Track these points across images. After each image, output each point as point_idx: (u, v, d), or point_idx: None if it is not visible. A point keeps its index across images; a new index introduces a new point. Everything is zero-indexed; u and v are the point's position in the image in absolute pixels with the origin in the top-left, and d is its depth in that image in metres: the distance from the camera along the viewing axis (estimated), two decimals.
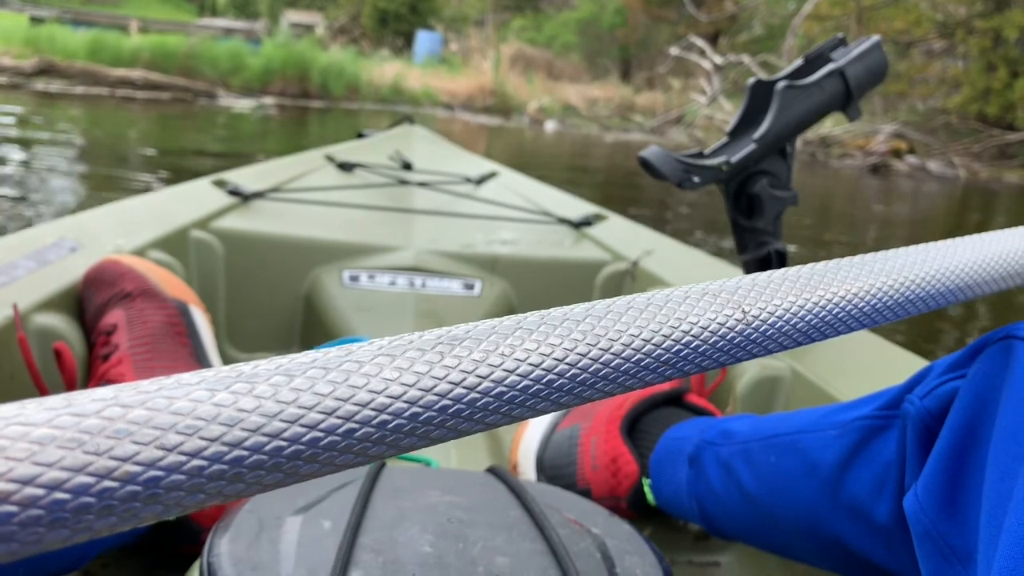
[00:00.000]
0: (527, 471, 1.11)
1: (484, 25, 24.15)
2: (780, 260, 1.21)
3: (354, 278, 1.60)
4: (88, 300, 1.15)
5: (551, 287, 1.70)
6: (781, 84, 1.12)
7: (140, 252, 1.33)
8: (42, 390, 0.97)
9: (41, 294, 1.10)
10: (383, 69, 17.33)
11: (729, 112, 14.25)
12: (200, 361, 1.13)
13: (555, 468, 1.08)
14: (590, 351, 0.31)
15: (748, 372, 1.17)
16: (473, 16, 25.98)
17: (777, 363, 1.17)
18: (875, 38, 1.16)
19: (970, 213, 9.32)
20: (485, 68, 18.84)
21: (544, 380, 0.30)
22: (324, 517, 0.70)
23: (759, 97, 1.16)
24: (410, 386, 0.28)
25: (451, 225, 1.87)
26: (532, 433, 1.14)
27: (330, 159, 2.32)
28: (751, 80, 1.17)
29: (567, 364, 0.31)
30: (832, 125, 13.99)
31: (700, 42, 15.83)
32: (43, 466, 0.23)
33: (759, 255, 1.20)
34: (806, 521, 0.78)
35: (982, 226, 8.14)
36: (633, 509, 1.03)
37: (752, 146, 1.13)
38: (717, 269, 1.59)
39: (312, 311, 1.60)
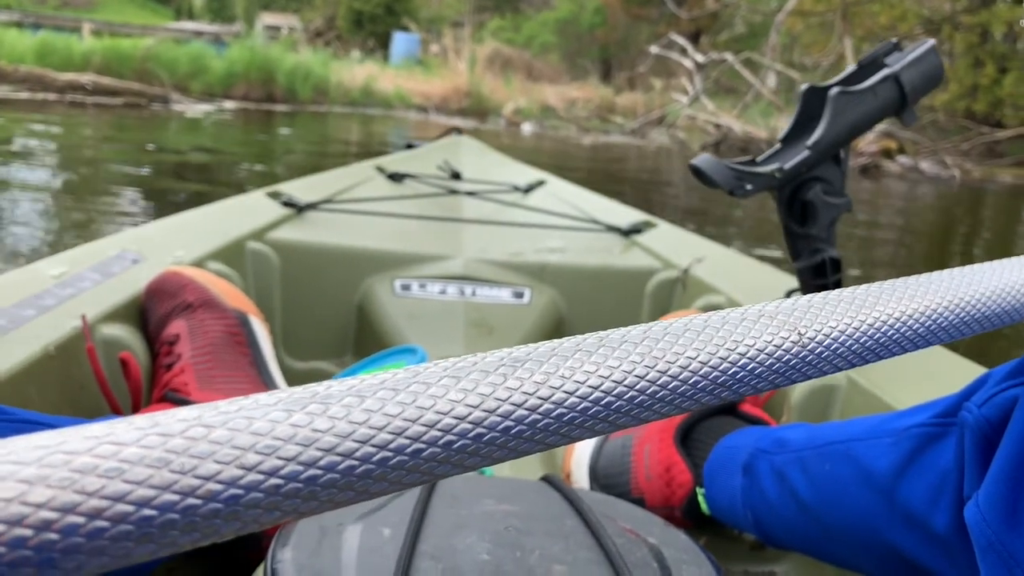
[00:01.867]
0: (580, 480, 1.12)
1: (462, 26, 24.14)
2: (834, 267, 1.20)
3: (405, 287, 1.62)
4: (151, 311, 1.18)
5: (600, 295, 1.70)
6: (834, 90, 1.11)
7: (199, 263, 1.37)
8: (109, 399, 1.01)
9: (106, 305, 1.13)
10: (353, 71, 16.93)
11: (712, 112, 13.87)
12: (260, 370, 1.15)
13: (608, 477, 1.08)
14: (648, 373, 0.32)
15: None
16: (451, 17, 25.96)
17: None
18: (930, 42, 1.15)
19: (978, 217, 9.01)
20: (460, 69, 18.48)
21: (603, 402, 0.31)
22: (383, 524, 0.70)
23: (811, 103, 1.15)
24: (474, 407, 0.28)
25: (500, 233, 1.88)
26: (584, 443, 1.14)
27: (380, 170, 2.36)
28: (803, 86, 1.17)
29: (625, 386, 0.31)
30: None
31: (681, 40, 15.66)
32: (133, 484, 0.24)
33: (813, 262, 1.19)
34: (862, 530, 0.77)
35: (994, 230, 8.12)
36: (687, 519, 1.03)
37: (806, 153, 1.12)
38: (769, 276, 1.59)
39: (365, 320, 1.62)
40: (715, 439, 1.03)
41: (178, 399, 1.04)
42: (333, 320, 1.65)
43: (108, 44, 13.64)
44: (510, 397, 0.29)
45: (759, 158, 1.16)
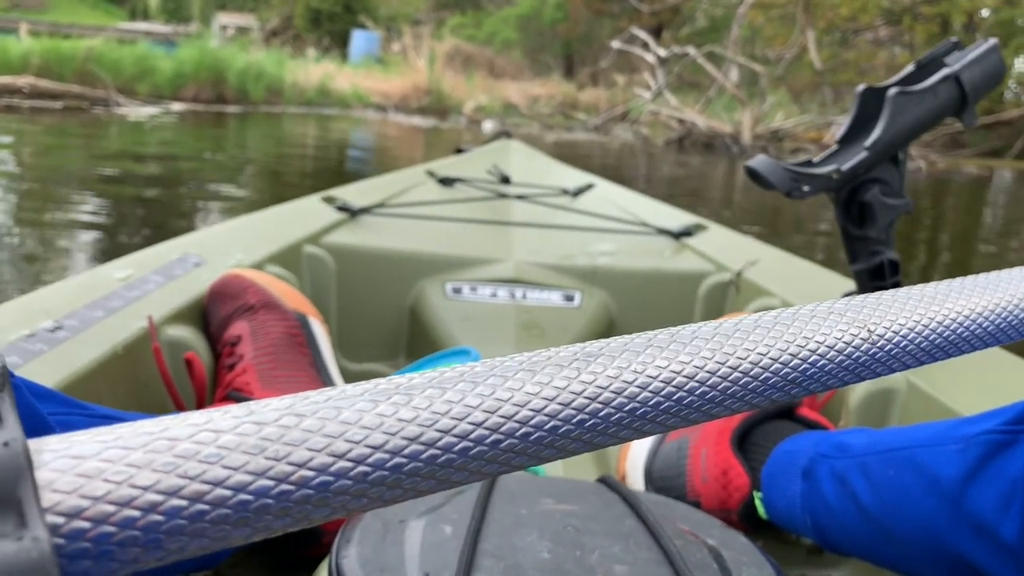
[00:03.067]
0: (635, 482, 1.11)
1: (423, 24, 24.03)
2: (893, 269, 1.19)
3: (457, 290, 1.63)
4: (213, 312, 1.22)
5: (652, 298, 1.70)
6: (893, 91, 1.11)
7: (258, 266, 1.40)
8: (175, 397, 1.04)
9: (171, 307, 1.17)
10: (309, 71, 16.51)
11: (675, 107, 13.61)
12: (319, 370, 1.18)
13: (664, 480, 1.08)
14: (719, 369, 0.32)
15: (862, 384, 1.15)
16: (411, 14, 25.83)
17: (892, 375, 1.15)
18: (992, 41, 1.14)
19: (943, 207, 8.92)
20: (420, 67, 18.08)
21: (675, 397, 0.31)
22: (444, 522, 0.71)
23: (869, 104, 1.15)
24: (550, 400, 0.29)
25: (550, 237, 1.90)
26: (640, 444, 1.14)
27: (431, 174, 2.40)
28: (860, 87, 1.16)
29: (697, 382, 0.32)
30: (784, 118, 13.71)
31: (643, 34, 15.54)
32: (231, 470, 0.25)
33: (871, 264, 1.19)
34: (926, 538, 0.76)
35: (975, 219, 8.20)
36: (744, 522, 1.03)
37: (864, 154, 1.11)
38: (824, 278, 1.58)
39: (417, 322, 1.64)
40: (773, 443, 1.03)
41: (241, 398, 1.06)
42: (386, 322, 1.67)
43: (48, 45, 13.01)
44: (584, 391, 0.30)
45: (816, 159, 1.15)
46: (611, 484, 0.85)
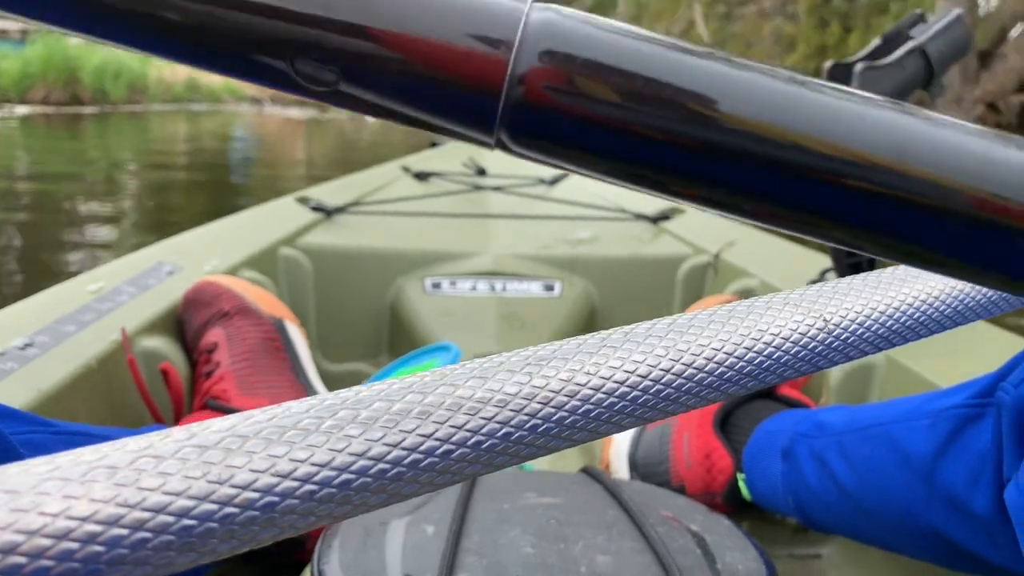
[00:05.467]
0: (619, 470, 1.12)
1: None
2: None
3: (436, 285, 1.63)
4: (188, 321, 1.20)
5: (632, 284, 1.71)
6: (859, 66, 1.11)
7: (233, 271, 1.39)
8: (152, 409, 1.03)
9: (144, 317, 1.16)
10: (175, 65, 15.82)
11: None
12: (298, 374, 1.16)
13: (647, 466, 1.08)
14: (673, 366, 0.32)
15: None
16: None
17: None
18: (957, 11, 1.15)
19: None
20: None
21: (629, 396, 0.31)
22: (426, 522, 0.71)
23: (837, 80, 1.14)
24: (502, 407, 0.29)
25: (528, 227, 1.90)
26: (623, 433, 1.13)
27: (406, 170, 2.40)
28: (828, 64, 1.16)
29: (651, 380, 0.31)
30: None
31: None
32: (172, 495, 0.25)
33: None
34: (903, 513, 0.77)
35: None
36: (729, 504, 1.03)
37: None
38: (801, 257, 1.58)
39: (398, 320, 1.64)
40: (754, 423, 1.03)
41: (219, 406, 1.05)
42: (367, 322, 1.67)
43: None
44: (536, 395, 0.29)
45: None
46: (593, 474, 0.86)
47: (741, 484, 1.01)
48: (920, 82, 1.15)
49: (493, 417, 0.29)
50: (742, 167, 0.25)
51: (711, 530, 0.75)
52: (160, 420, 1.03)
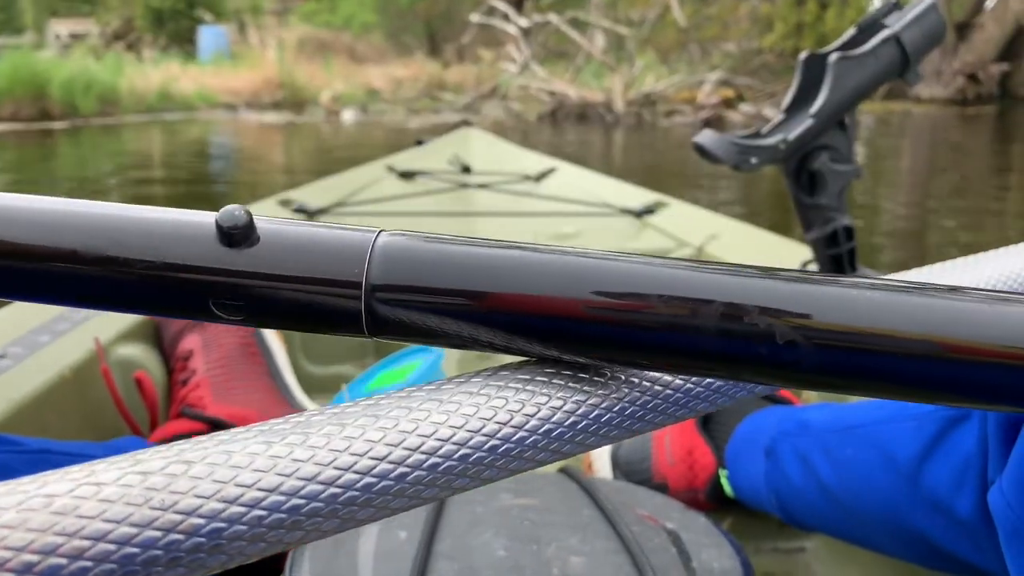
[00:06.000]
0: (602, 469, 1.11)
1: (278, 14, 23.50)
2: (847, 236, 1.20)
3: None
4: (165, 328, 1.20)
5: None
6: (834, 56, 1.10)
7: None
8: (127, 419, 1.01)
9: (120, 326, 1.15)
10: (148, 75, 15.22)
11: (544, 79, 13.71)
12: (275, 378, 1.16)
13: (630, 464, 1.08)
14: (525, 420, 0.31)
15: None
16: (259, 4, 25.20)
17: None
18: (930, 0, 1.17)
19: None
20: (270, 59, 17.21)
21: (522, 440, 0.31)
22: (399, 527, 0.71)
23: (812, 71, 1.14)
24: (458, 428, 0.29)
25: (513, 224, 1.90)
26: None
27: (391, 169, 2.39)
28: (803, 54, 1.16)
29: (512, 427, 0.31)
30: (654, 80, 13.66)
31: (502, 6, 15.50)
32: (113, 523, 0.25)
33: (825, 232, 1.19)
34: (886, 515, 0.77)
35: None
36: (711, 501, 1.03)
37: (809, 121, 1.11)
38: (783, 248, 1.58)
39: None
40: (737, 420, 1.03)
41: (194, 414, 1.04)
42: None
43: None
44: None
45: (763, 130, 1.15)
46: (571, 474, 0.86)
47: (724, 481, 1.01)
48: (896, 71, 1.14)
49: (451, 438, 0.29)
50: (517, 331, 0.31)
51: (687, 528, 0.76)
52: (136, 430, 1.02)
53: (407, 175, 2.34)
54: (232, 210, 0.31)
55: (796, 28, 16.42)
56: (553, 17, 14.51)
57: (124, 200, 0.32)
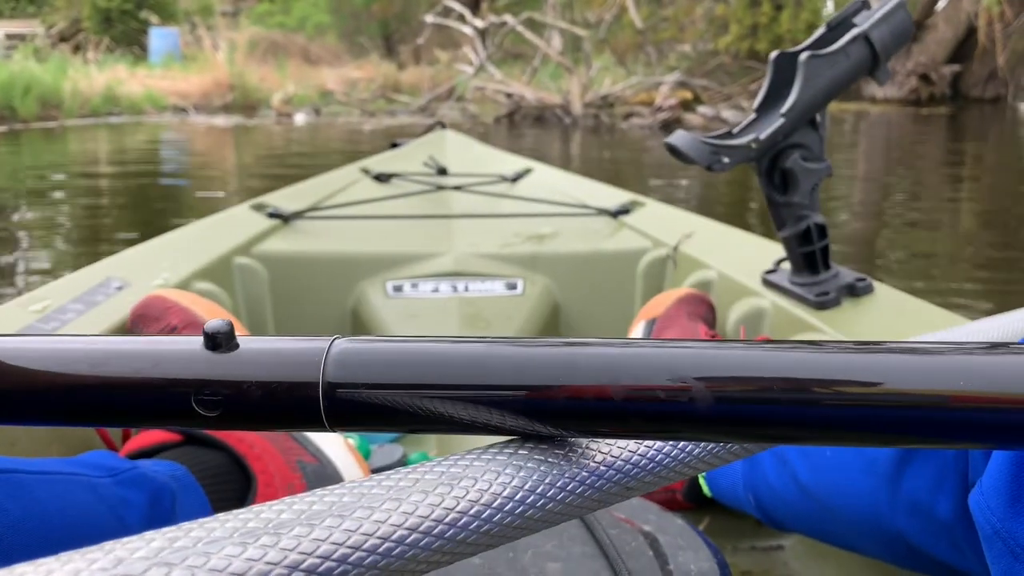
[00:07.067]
0: None
1: (230, 15, 23.28)
2: (820, 233, 1.21)
3: (398, 288, 1.63)
4: (137, 333, 1.13)
5: (593, 279, 1.72)
6: (804, 55, 1.11)
7: (184, 284, 1.38)
8: (100, 432, 1.01)
9: (90, 332, 1.11)
10: (92, 77, 14.71)
11: (500, 81, 13.39)
12: None
13: None
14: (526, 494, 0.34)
15: None
16: (211, 6, 24.94)
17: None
18: None
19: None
20: (220, 61, 16.67)
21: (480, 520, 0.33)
22: None
23: (783, 70, 1.15)
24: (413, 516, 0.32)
25: (489, 226, 1.90)
26: None
27: (365, 172, 2.38)
28: (773, 54, 1.16)
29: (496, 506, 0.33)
30: (612, 82, 13.72)
31: (458, 7, 15.38)
32: None
33: (798, 230, 1.20)
34: (865, 515, 0.77)
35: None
36: (689, 500, 1.04)
37: (780, 120, 1.11)
38: (756, 246, 1.59)
39: (360, 325, 1.63)
40: None
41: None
42: (327, 329, 1.65)
43: None
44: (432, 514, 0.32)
45: (735, 130, 1.15)
46: None
47: (701, 481, 1.01)
48: (865, 69, 1.15)
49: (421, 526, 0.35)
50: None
51: (664, 530, 0.76)
52: (109, 443, 1.01)
53: (382, 177, 2.33)
54: (217, 323, 0.36)
55: (751, 30, 16.48)
56: (509, 18, 14.35)
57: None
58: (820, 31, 1.17)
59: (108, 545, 0.26)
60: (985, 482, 0.57)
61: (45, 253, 4.23)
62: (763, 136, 1.12)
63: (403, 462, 1.16)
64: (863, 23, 1.14)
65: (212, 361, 0.35)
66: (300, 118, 13.77)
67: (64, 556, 0.25)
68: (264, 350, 0.35)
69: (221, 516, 0.28)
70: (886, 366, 0.30)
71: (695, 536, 0.76)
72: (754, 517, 1.10)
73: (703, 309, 1.33)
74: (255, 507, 0.29)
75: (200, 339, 0.36)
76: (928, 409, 0.30)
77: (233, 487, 0.93)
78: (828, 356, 0.31)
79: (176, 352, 0.36)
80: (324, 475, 0.98)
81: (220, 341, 0.35)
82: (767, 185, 1.19)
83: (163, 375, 0.35)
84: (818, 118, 1.17)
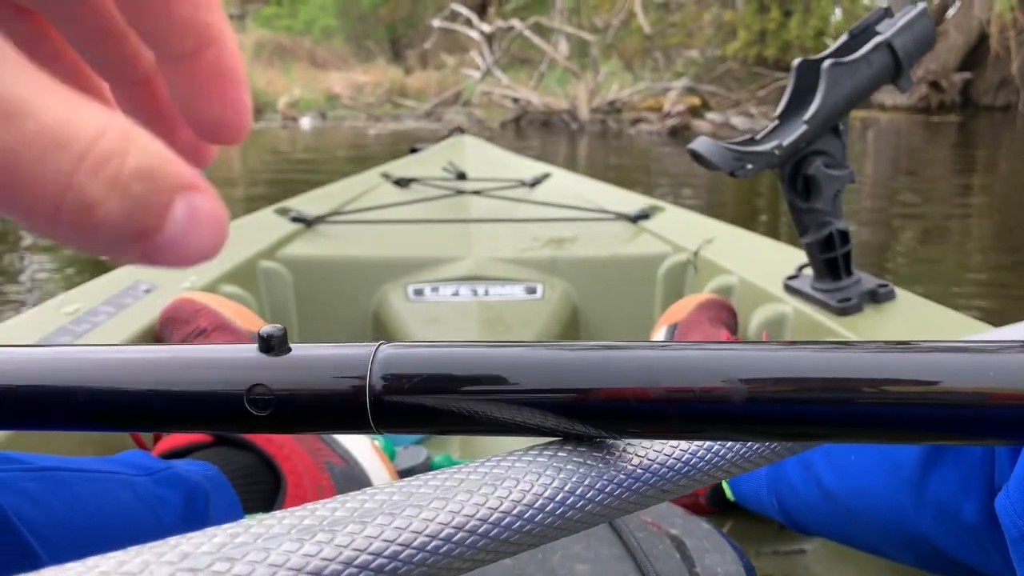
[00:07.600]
0: None
1: (235, 18, 23.26)
2: (843, 240, 1.21)
3: (418, 292, 1.64)
4: (166, 339, 1.20)
5: (613, 284, 1.72)
6: (827, 62, 1.11)
7: (212, 287, 1.40)
8: (132, 434, 1.00)
9: (122, 337, 1.16)
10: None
11: (507, 86, 13.39)
12: None
13: None
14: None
15: None
16: (223, 9, 24.92)
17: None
18: (921, 6, 1.16)
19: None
20: None
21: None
22: None
23: (806, 77, 1.15)
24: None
25: (509, 230, 1.91)
26: None
27: (386, 176, 2.40)
28: (796, 61, 1.17)
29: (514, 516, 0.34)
30: (619, 87, 13.62)
31: (465, 11, 15.34)
32: None
33: (821, 236, 1.20)
34: (890, 519, 0.77)
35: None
36: (712, 504, 1.04)
37: (803, 127, 1.12)
38: (779, 253, 1.59)
39: (381, 328, 1.65)
40: None
41: None
42: (349, 332, 1.68)
43: None
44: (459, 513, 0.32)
45: (758, 136, 1.16)
46: None
47: (724, 485, 1.02)
48: (888, 77, 1.15)
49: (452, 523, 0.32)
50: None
51: (690, 533, 0.76)
52: (141, 444, 1.01)
53: (402, 182, 2.35)
54: (271, 328, 0.37)
55: (760, 36, 16.43)
56: (516, 23, 14.34)
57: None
58: (843, 39, 1.17)
59: (173, 540, 0.27)
60: (1012, 485, 0.57)
61: (63, 256, 4.27)
62: (786, 143, 1.12)
63: (427, 464, 1.16)
64: (886, 31, 1.14)
65: (265, 363, 0.36)
66: (306, 122, 13.72)
67: (134, 550, 0.26)
68: (314, 355, 0.36)
69: (278, 514, 0.29)
70: (927, 364, 0.31)
71: (721, 539, 0.76)
72: (776, 521, 1.11)
73: (725, 314, 1.33)
74: (309, 505, 0.30)
75: (254, 345, 0.37)
76: (966, 407, 0.31)
77: (263, 487, 0.94)
78: (866, 355, 0.32)
79: (232, 355, 0.37)
80: (352, 476, 0.98)
81: (274, 344, 0.36)
82: (790, 191, 1.19)
83: (219, 377, 0.36)
84: (840, 125, 1.17)
